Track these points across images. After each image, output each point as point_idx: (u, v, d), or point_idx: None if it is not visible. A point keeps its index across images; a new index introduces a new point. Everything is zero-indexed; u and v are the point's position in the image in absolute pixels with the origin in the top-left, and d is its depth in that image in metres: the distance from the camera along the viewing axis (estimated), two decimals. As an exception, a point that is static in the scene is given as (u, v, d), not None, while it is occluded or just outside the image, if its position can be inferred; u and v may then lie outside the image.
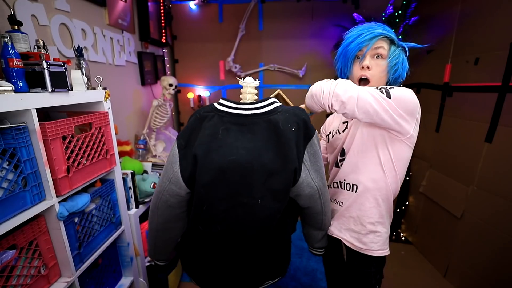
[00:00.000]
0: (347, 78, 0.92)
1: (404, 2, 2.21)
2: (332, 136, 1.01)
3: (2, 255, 0.78)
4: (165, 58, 2.71)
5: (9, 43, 0.80)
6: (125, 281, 1.38)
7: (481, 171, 1.66)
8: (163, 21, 2.49)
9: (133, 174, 1.39)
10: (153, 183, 1.47)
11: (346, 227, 0.94)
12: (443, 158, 2.01)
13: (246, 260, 0.86)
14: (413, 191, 2.32)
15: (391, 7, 2.25)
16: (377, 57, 0.85)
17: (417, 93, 2.30)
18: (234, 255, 0.86)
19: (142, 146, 2.02)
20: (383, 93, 0.75)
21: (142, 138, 2.05)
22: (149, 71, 2.35)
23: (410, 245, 2.26)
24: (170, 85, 2.06)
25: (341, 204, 0.96)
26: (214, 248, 0.86)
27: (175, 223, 0.89)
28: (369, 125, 0.85)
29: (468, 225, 1.72)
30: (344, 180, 0.94)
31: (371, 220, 0.90)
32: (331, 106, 0.77)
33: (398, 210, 2.41)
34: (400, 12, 2.22)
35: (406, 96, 0.77)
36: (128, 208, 1.40)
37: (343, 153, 0.95)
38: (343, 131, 0.96)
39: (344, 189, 0.95)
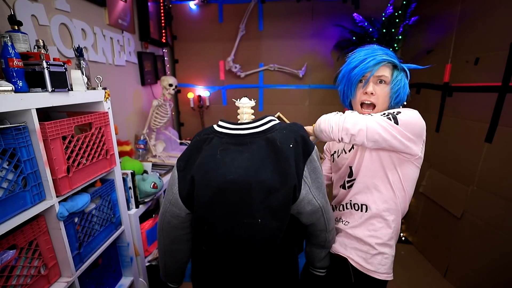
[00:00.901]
0: (350, 101, 0.95)
1: (404, 2, 2.21)
2: (338, 156, 1.00)
3: (2, 255, 0.78)
4: (165, 58, 2.71)
5: (9, 43, 0.80)
6: (125, 281, 1.38)
7: (481, 171, 1.66)
8: (163, 21, 2.49)
9: (133, 174, 1.38)
10: (153, 183, 1.47)
11: (352, 246, 0.91)
12: (443, 158, 2.01)
13: (252, 280, 0.86)
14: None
15: (391, 7, 2.25)
16: (380, 82, 0.86)
17: (417, 93, 2.31)
18: (240, 275, 0.85)
19: (142, 146, 2.02)
20: (390, 119, 0.76)
21: (142, 138, 2.05)
22: (149, 71, 2.35)
23: (410, 245, 2.26)
24: (170, 85, 2.06)
25: (347, 223, 0.94)
26: (219, 268, 0.86)
27: (180, 245, 0.90)
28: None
29: (468, 225, 1.72)
30: (351, 201, 0.93)
31: (380, 241, 0.89)
32: (341, 139, 0.79)
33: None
34: (400, 12, 2.22)
35: (413, 120, 0.78)
36: (128, 208, 1.40)
37: (350, 174, 0.94)
38: (349, 151, 0.96)
39: (352, 209, 0.93)
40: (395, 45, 2.28)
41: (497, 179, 1.56)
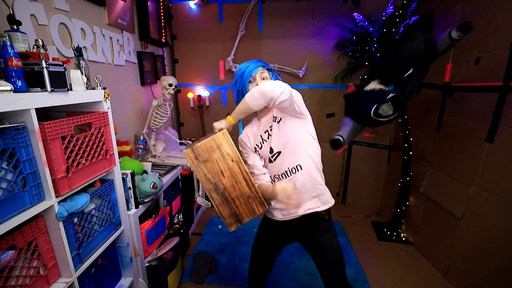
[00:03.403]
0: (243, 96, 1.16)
1: (405, 2, 2.20)
2: (261, 147, 1.20)
3: (1, 255, 0.78)
4: (165, 58, 2.71)
5: (8, 43, 0.79)
6: (125, 281, 1.38)
7: (482, 171, 1.65)
8: (162, 20, 2.49)
9: (132, 174, 1.38)
10: (152, 183, 1.47)
11: (307, 200, 1.15)
12: (443, 158, 2.01)
13: None
14: (413, 191, 2.32)
15: (391, 7, 2.25)
16: (263, 79, 1.16)
17: (417, 93, 2.31)
18: None
19: (141, 146, 2.02)
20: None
21: (141, 138, 2.04)
22: (149, 71, 2.35)
23: (410, 245, 2.26)
24: (170, 85, 2.06)
25: (295, 186, 1.13)
26: None
27: None
28: (287, 120, 1.13)
29: (469, 226, 1.72)
30: (288, 167, 1.15)
31: (320, 181, 1.17)
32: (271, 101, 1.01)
33: (398, 210, 2.40)
34: (400, 11, 2.21)
35: (297, 94, 1.09)
36: (128, 209, 1.39)
37: (271, 150, 1.17)
38: (268, 138, 1.18)
39: (291, 174, 1.15)
40: (396, 44, 2.27)
41: (498, 179, 1.56)
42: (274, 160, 1.16)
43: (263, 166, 1.23)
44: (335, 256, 1.20)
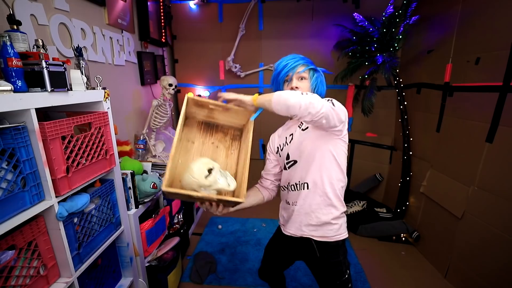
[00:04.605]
0: None
1: (405, 2, 2.20)
2: (282, 149, 1.12)
3: (1, 255, 0.78)
4: (165, 58, 2.71)
5: (8, 43, 0.79)
6: (125, 281, 1.38)
7: (482, 171, 1.65)
8: (162, 20, 2.49)
9: (132, 174, 1.38)
10: (152, 183, 1.47)
11: (306, 223, 1.05)
12: (443, 158, 2.01)
13: None
14: (413, 191, 2.32)
15: (391, 7, 2.24)
16: (301, 79, 1.04)
17: (417, 93, 2.31)
18: None
19: (141, 146, 2.01)
20: (333, 105, 0.90)
21: (141, 138, 2.04)
22: (149, 71, 2.35)
23: (410, 245, 2.26)
24: (170, 85, 2.06)
25: (295, 204, 1.07)
26: None
27: None
28: (312, 130, 1.00)
29: (469, 226, 1.72)
30: (297, 182, 1.05)
31: (324, 211, 1.03)
32: (304, 116, 0.86)
33: (398, 210, 2.40)
34: (400, 11, 2.21)
35: (341, 106, 0.93)
36: (128, 209, 1.39)
37: (288, 157, 1.08)
38: (290, 142, 1.08)
39: (298, 190, 1.05)
40: (396, 44, 2.27)
41: (498, 179, 1.56)
42: (289, 168, 1.08)
43: (277, 173, 1.17)
44: None
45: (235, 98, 0.97)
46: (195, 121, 1.10)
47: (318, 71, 1.08)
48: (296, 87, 1.03)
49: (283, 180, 1.14)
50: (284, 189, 1.13)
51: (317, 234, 1.04)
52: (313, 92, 1.05)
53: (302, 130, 1.04)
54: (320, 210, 1.02)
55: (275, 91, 1.02)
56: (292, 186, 1.07)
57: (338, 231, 1.04)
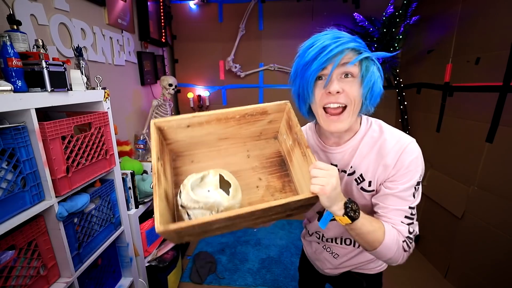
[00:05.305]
0: (309, 107, 0.71)
1: (405, 2, 2.20)
2: None
3: (1, 255, 0.78)
4: (165, 58, 2.71)
5: (8, 43, 0.79)
6: (125, 281, 1.38)
7: (482, 171, 1.65)
8: (162, 20, 2.49)
9: (132, 174, 1.38)
10: (152, 183, 1.47)
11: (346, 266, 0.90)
12: (443, 158, 2.01)
13: None
14: (413, 191, 2.32)
15: (391, 7, 2.24)
16: (346, 75, 0.61)
17: (417, 93, 2.31)
18: None
19: (141, 146, 2.02)
20: (411, 240, 0.66)
21: (141, 138, 2.04)
22: (149, 71, 2.35)
23: (410, 245, 2.26)
24: (170, 85, 2.06)
25: (336, 256, 0.89)
26: None
27: None
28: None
29: (469, 226, 1.72)
30: (343, 236, 0.86)
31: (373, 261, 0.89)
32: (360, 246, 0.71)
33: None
34: (400, 11, 2.21)
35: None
36: (128, 209, 1.39)
37: None
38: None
39: (343, 244, 0.87)
40: (396, 44, 2.27)
41: (498, 179, 1.56)
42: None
43: None
44: None
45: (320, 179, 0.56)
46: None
47: (373, 60, 0.63)
48: (337, 92, 0.60)
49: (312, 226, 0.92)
50: (317, 236, 0.93)
51: (358, 271, 0.90)
52: (368, 100, 0.65)
53: (348, 175, 0.75)
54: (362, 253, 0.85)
55: (297, 91, 0.68)
56: (335, 240, 0.87)
57: (379, 262, 0.90)
